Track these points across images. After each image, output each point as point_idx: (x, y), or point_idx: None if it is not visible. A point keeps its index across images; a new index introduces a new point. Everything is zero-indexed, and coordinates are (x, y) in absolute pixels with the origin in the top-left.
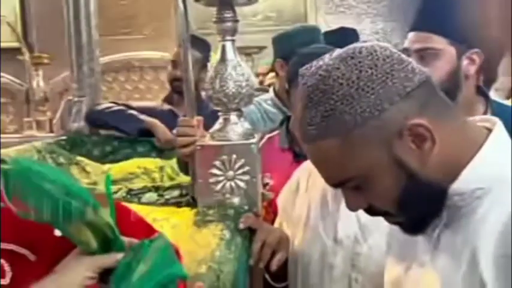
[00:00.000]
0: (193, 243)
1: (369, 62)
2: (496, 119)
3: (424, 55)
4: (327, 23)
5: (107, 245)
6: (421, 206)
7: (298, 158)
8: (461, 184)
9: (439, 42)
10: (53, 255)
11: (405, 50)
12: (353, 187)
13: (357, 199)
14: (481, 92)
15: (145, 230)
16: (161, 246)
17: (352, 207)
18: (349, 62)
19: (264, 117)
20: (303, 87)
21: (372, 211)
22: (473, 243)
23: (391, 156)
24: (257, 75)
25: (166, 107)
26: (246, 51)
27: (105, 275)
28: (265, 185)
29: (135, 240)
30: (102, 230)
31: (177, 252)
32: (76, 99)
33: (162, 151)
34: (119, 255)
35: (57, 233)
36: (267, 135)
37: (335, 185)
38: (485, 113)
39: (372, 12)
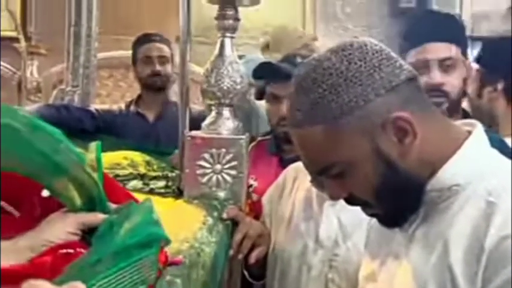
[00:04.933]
0: (176, 226)
1: (358, 54)
2: (477, 123)
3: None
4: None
5: (92, 204)
6: (398, 198)
7: (284, 164)
8: (439, 180)
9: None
10: (39, 214)
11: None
12: (334, 175)
13: (338, 188)
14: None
15: (132, 200)
16: (147, 207)
17: (333, 196)
18: (340, 54)
19: (258, 121)
20: (296, 75)
21: (351, 201)
22: (446, 235)
23: (373, 147)
24: None
25: (133, 109)
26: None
27: (89, 235)
28: (249, 186)
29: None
30: (88, 189)
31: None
32: (69, 88)
33: None
34: (103, 215)
35: (45, 193)
36: (259, 138)
37: (317, 172)
38: None
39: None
